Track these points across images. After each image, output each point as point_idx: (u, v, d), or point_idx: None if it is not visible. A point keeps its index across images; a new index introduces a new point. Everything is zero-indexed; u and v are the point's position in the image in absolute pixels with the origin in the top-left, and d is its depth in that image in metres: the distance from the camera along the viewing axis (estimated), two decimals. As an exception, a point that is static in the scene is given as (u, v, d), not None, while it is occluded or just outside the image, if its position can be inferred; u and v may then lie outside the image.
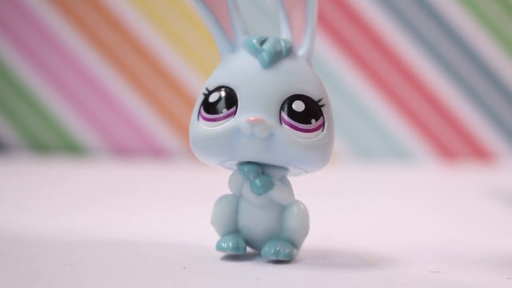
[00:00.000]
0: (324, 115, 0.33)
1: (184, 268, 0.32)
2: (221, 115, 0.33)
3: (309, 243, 0.35)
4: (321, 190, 0.60)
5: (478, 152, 0.84)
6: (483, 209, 0.54)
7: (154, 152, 0.84)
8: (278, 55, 0.33)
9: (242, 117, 0.33)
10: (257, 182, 0.33)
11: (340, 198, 0.58)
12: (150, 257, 0.35)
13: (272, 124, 0.32)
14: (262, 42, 0.33)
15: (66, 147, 0.85)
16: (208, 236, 0.37)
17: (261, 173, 0.33)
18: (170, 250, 0.36)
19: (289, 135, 0.32)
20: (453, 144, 0.84)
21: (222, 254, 0.35)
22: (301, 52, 0.34)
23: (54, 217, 0.46)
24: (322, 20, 0.83)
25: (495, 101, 0.83)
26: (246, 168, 0.33)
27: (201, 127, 0.33)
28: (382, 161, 0.83)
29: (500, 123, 0.83)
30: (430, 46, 0.83)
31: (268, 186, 0.33)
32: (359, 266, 0.34)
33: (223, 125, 0.33)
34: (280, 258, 0.33)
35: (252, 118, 0.32)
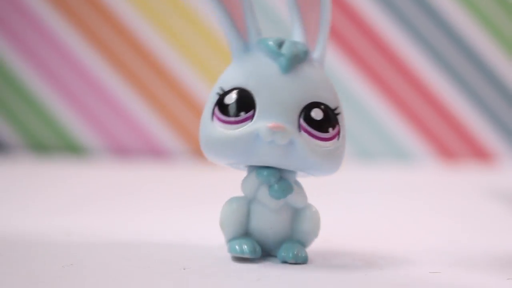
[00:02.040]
0: (340, 124, 0.33)
1: (184, 269, 0.32)
2: (238, 118, 0.32)
3: (309, 243, 0.35)
4: (321, 190, 0.60)
5: (478, 152, 0.84)
6: (483, 210, 0.54)
7: (154, 152, 0.84)
8: (297, 60, 0.33)
9: (261, 122, 0.32)
10: (277, 186, 0.33)
11: (340, 198, 0.58)
12: (150, 257, 0.35)
13: (292, 132, 0.32)
14: (279, 45, 0.33)
15: (66, 147, 0.85)
16: (208, 236, 0.37)
17: (280, 177, 0.33)
18: (170, 251, 0.36)
19: (308, 144, 0.32)
20: (453, 144, 0.84)
21: (222, 254, 0.35)
22: (315, 55, 0.34)
23: (54, 217, 0.46)
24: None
25: (495, 101, 0.83)
26: (265, 172, 0.33)
27: (217, 128, 0.33)
28: (382, 161, 0.83)
29: (500, 123, 0.83)
30: (430, 46, 0.83)
31: (287, 190, 0.33)
32: (359, 267, 0.34)
33: (241, 129, 0.32)
34: (299, 262, 0.33)
35: (273, 125, 0.32)
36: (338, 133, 0.33)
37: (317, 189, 0.55)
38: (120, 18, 0.84)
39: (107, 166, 0.79)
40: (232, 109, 0.32)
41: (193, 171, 0.76)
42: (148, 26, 0.84)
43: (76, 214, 0.48)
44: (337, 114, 0.33)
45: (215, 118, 0.33)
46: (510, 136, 0.83)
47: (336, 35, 0.83)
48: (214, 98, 0.33)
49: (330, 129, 0.33)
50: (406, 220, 0.49)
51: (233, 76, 0.33)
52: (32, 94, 0.85)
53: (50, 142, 0.85)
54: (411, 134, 0.83)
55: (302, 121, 0.32)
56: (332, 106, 0.33)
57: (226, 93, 0.33)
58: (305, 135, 0.32)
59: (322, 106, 0.33)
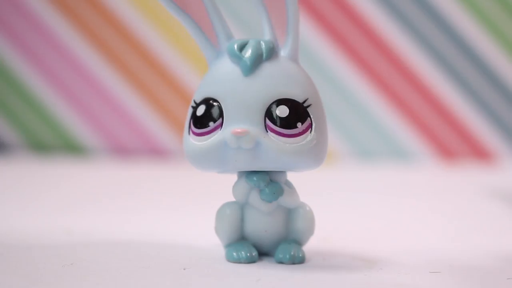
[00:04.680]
0: (311, 116, 0.33)
1: (184, 269, 0.32)
2: (208, 128, 0.33)
3: (308, 243, 0.35)
4: (321, 190, 0.60)
5: (478, 152, 0.84)
6: (483, 209, 0.54)
7: (154, 152, 0.84)
8: (259, 60, 0.32)
9: (228, 129, 0.32)
10: (267, 190, 0.33)
11: (340, 198, 0.58)
12: (150, 257, 0.35)
13: (257, 134, 0.32)
14: (241, 47, 0.33)
15: (66, 147, 0.85)
16: (208, 236, 0.37)
17: (270, 180, 0.33)
18: (170, 251, 0.36)
19: (275, 143, 0.32)
20: (453, 144, 0.84)
21: (222, 254, 0.35)
22: (284, 51, 0.33)
23: (54, 217, 0.46)
24: (323, 20, 0.83)
25: (495, 101, 0.83)
26: (254, 177, 0.33)
27: (192, 142, 0.33)
28: (382, 161, 0.83)
29: (500, 123, 0.83)
30: (430, 46, 0.83)
31: (278, 193, 0.33)
32: (359, 267, 0.34)
33: (211, 139, 0.32)
34: (296, 262, 0.33)
35: (237, 131, 0.32)
36: (311, 126, 0.33)
37: (317, 189, 0.55)
38: (121, 19, 0.84)
39: (107, 166, 0.79)
40: (202, 121, 0.33)
41: (192, 171, 0.76)
42: (149, 27, 0.84)
43: (76, 213, 0.48)
44: (308, 106, 0.33)
45: (190, 132, 0.33)
46: (510, 136, 0.83)
47: (338, 36, 0.83)
48: (189, 112, 0.33)
49: (299, 124, 0.32)
50: (406, 220, 0.49)
51: (203, 86, 0.33)
52: (32, 94, 0.85)
53: (50, 142, 0.85)
54: (411, 134, 0.83)
55: (268, 120, 0.32)
56: (300, 99, 0.32)
57: (197, 105, 0.33)
58: (272, 134, 0.32)
59: (288, 102, 0.32)
